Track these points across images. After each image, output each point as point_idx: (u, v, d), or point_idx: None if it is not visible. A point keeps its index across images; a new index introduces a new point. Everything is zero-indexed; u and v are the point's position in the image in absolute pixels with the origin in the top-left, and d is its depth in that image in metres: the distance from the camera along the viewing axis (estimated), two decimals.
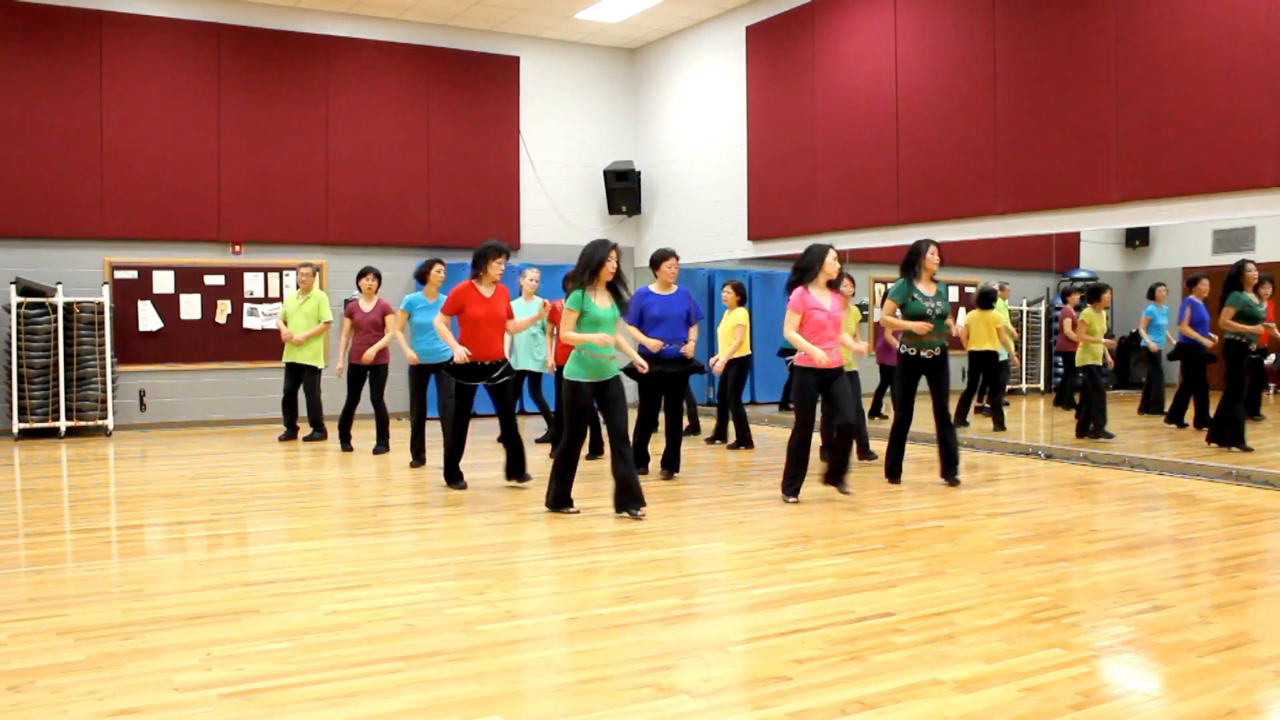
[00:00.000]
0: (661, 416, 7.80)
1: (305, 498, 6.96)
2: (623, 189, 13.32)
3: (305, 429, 10.15)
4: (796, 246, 9.25)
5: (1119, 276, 11.15)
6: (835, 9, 10.71)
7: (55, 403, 10.22)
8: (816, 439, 7.67)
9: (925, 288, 7.11)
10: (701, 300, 12.52)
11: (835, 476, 6.65)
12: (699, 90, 12.68)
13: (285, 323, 9.79)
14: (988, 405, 10.38)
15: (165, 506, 6.61)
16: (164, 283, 11.24)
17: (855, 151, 10.45)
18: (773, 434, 10.52)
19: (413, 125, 12.32)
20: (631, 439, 7.44)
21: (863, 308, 10.58)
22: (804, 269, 6.47)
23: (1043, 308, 11.68)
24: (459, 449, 7.13)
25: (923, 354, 7.09)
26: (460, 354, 6.79)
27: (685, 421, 9.79)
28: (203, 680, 3.32)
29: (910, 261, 7.13)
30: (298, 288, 9.94)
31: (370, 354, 8.88)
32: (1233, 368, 8.35)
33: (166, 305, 11.25)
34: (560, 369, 8.95)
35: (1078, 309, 9.75)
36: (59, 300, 10.18)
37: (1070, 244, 10.23)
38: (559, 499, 6.21)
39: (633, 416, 7.46)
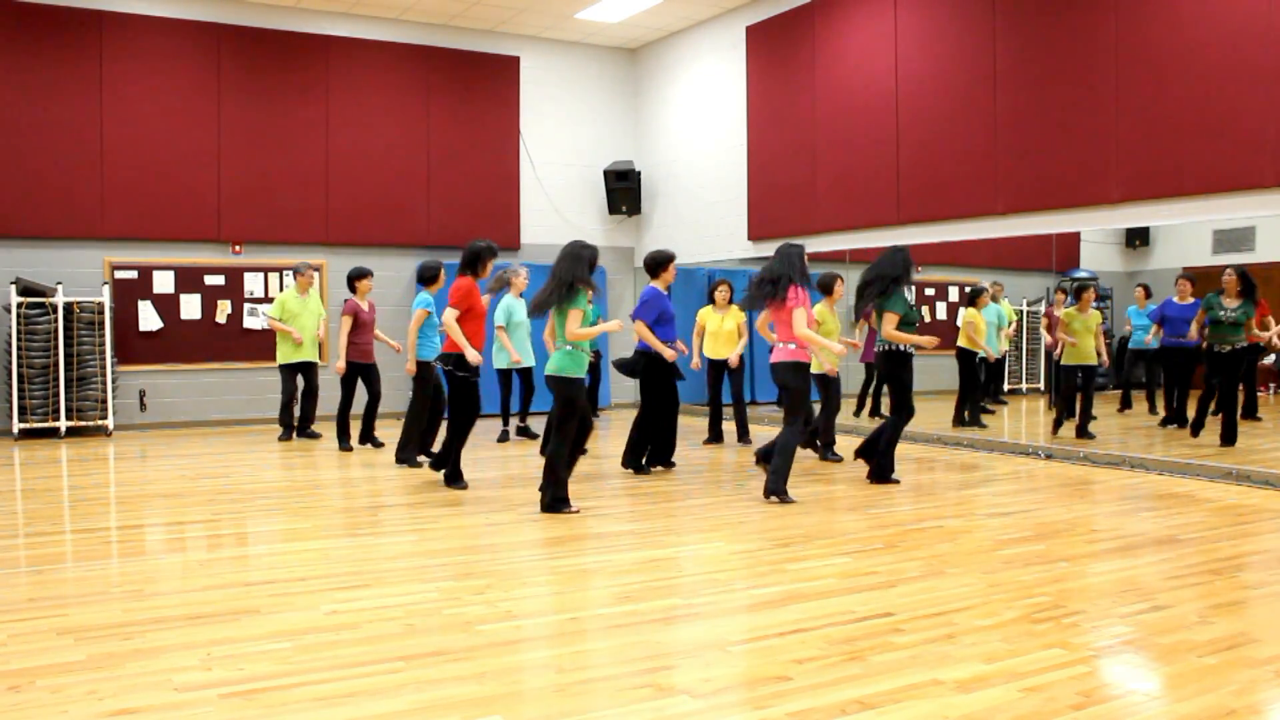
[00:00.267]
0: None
1: (305, 498, 6.95)
2: (623, 189, 13.32)
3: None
4: None
5: (1119, 276, 11.16)
6: (835, 9, 10.70)
7: (55, 403, 10.22)
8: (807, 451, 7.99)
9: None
10: (701, 300, 12.50)
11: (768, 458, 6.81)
12: (699, 90, 12.68)
13: (284, 322, 9.75)
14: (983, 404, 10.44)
15: (165, 506, 6.61)
16: (164, 283, 11.24)
17: (855, 151, 10.45)
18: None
19: (413, 125, 12.32)
20: (640, 437, 7.75)
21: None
22: (802, 272, 6.66)
23: (1043, 308, 11.68)
24: (459, 447, 7.17)
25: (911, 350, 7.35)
26: (474, 356, 6.94)
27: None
28: (203, 680, 3.32)
29: (905, 272, 7.23)
30: (297, 279, 9.92)
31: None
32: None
33: (166, 305, 11.24)
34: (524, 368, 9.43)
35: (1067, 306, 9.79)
36: (59, 300, 10.18)
37: (1070, 244, 10.24)
38: (556, 500, 6.22)
39: (631, 416, 7.45)
